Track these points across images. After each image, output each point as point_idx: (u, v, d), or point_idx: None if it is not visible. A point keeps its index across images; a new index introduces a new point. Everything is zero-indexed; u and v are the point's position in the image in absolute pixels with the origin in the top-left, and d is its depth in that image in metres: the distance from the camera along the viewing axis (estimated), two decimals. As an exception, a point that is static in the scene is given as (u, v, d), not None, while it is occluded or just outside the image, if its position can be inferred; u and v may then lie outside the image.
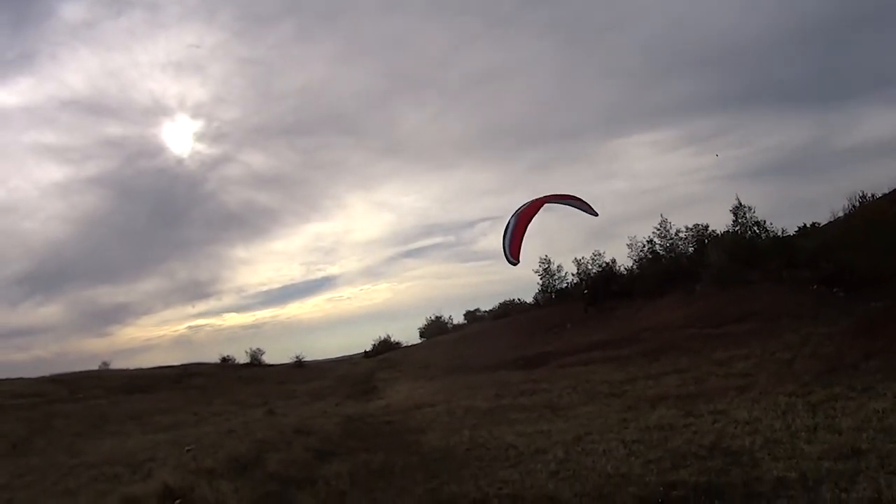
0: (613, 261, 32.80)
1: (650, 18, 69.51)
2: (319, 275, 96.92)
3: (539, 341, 26.65)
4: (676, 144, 71.79)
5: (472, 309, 51.19)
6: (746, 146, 67.86)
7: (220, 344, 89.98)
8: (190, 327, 71.22)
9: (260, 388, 26.78)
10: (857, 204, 23.46)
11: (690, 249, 29.16)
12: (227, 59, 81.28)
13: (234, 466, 8.42)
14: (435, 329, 47.02)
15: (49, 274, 69.02)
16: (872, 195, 23.49)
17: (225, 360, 37.84)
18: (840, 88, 64.45)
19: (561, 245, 56.35)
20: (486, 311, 49.01)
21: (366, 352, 44.37)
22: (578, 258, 33.77)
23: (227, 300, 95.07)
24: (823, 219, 26.56)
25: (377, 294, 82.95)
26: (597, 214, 16.32)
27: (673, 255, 29.69)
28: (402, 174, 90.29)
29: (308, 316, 79.25)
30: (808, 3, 60.75)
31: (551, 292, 37.36)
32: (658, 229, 30.45)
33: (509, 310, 43.95)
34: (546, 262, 36.67)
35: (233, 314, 78.14)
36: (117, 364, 36.21)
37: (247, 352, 38.63)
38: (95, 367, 34.07)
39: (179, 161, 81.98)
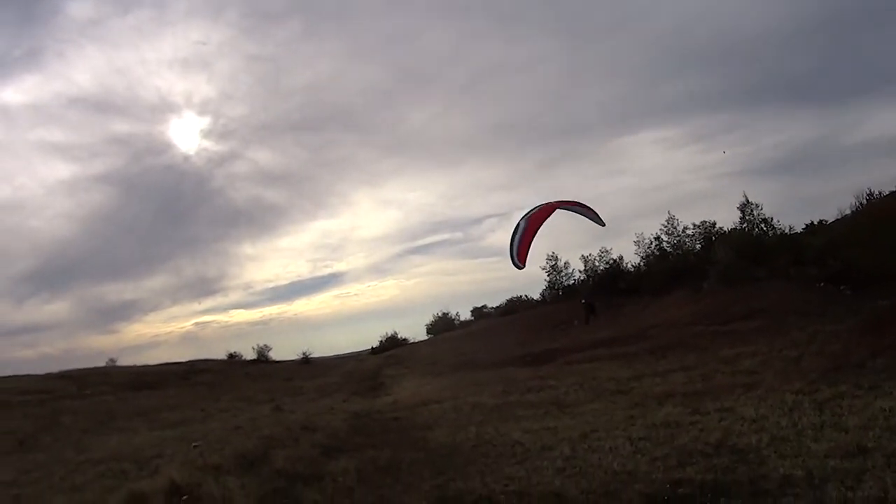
0: (621, 258, 32.90)
1: (657, 15, 69.08)
2: (326, 271, 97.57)
3: (546, 338, 26.64)
4: (684, 141, 71.57)
5: (479, 305, 51.51)
6: (754, 143, 67.56)
7: (227, 340, 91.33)
8: (197, 324, 71.79)
9: (267, 385, 26.90)
10: (865, 201, 23.40)
11: (697, 246, 29.12)
12: (234, 55, 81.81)
13: (240, 463, 8.48)
14: (442, 325, 47.20)
15: (56, 271, 69.69)
16: (880, 193, 23.44)
17: (232, 356, 38.11)
18: (847, 85, 63.79)
19: (568, 242, 56.31)
20: (493, 308, 49.23)
21: (373, 348, 44.56)
22: (586, 255, 33.86)
23: (235, 297, 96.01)
24: (831, 216, 26.55)
25: (384, 291, 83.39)
26: (604, 224, 16.40)
27: (680, 252, 29.64)
28: (409, 171, 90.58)
29: (315, 312, 79.76)
30: (815, 0, 60.33)
31: (558, 289, 37.39)
32: (665, 226, 30.50)
33: (516, 306, 43.98)
34: (553, 258, 36.76)
35: (240, 311, 79.04)
36: (124, 361, 36.69)
37: (254, 348, 39.01)
38: (103, 364, 34.48)
39: (186, 158, 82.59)
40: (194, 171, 79.03)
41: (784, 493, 4.93)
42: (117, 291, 79.98)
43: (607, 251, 33.03)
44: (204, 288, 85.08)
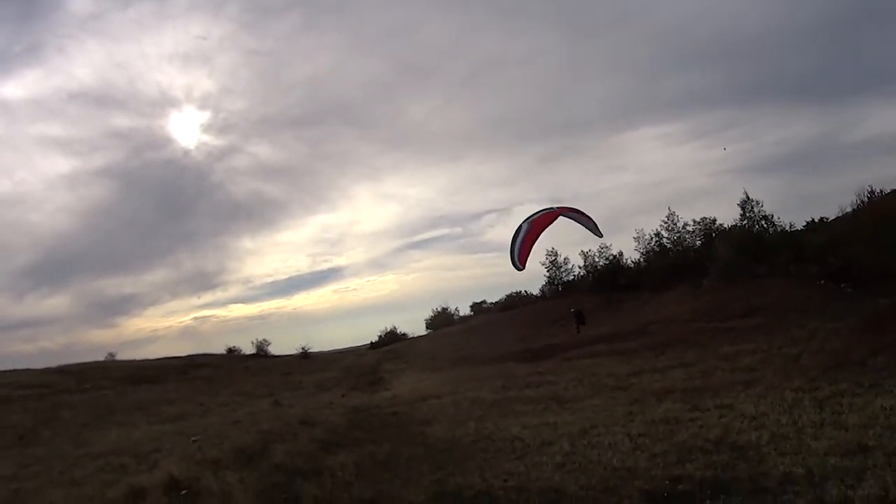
0: (620, 254, 32.87)
1: (658, 11, 68.92)
2: (326, 266, 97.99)
3: (545, 333, 26.68)
4: (685, 138, 71.55)
5: (478, 301, 51.48)
6: (755, 140, 67.66)
7: (226, 335, 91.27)
8: (196, 318, 72.15)
9: (266, 379, 26.90)
10: (866, 199, 23.32)
11: (698, 243, 29.10)
12: (235, 50, 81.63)
13: (239, 457, 8.48)
14: (441, 321, 47.22)
15: (56, 265, 69.44)
16: (881, 190, 23.37)
17: (231, 350, 38.12)
18: (849, 83, 63.68)
19: (568, 237, 56.26)
20: (492, 303, 49.21)
21: (372, 343, 44.57)
22: (585, 251, 33.83)
23: (234, 291, 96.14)
24: (831, 214, 26.54)
25: (383, 285, 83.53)
26: (601, 236, 16.48)
27: (680, 248, 29.62)
28: (409, 165, 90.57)
29: (314, 307, 79.98)
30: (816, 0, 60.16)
31: (558, 285, 37.42)
32: (665, 222, 30.49)
33: (516, 302, 44.05)
34: (553, 254, 36.76)
35: (239, 305, 79.33)
36: (124, 355, 36.65)
37: (253, 343, 38.90)
38: (102, 358, 34.38)
39: (186, 152, 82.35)
40: (194, 166, 79.00)
41: (784, 490, 4.91)
42: (117, 286, 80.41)
43: (607, 247, 33.05)
44: (203, 282, 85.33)
